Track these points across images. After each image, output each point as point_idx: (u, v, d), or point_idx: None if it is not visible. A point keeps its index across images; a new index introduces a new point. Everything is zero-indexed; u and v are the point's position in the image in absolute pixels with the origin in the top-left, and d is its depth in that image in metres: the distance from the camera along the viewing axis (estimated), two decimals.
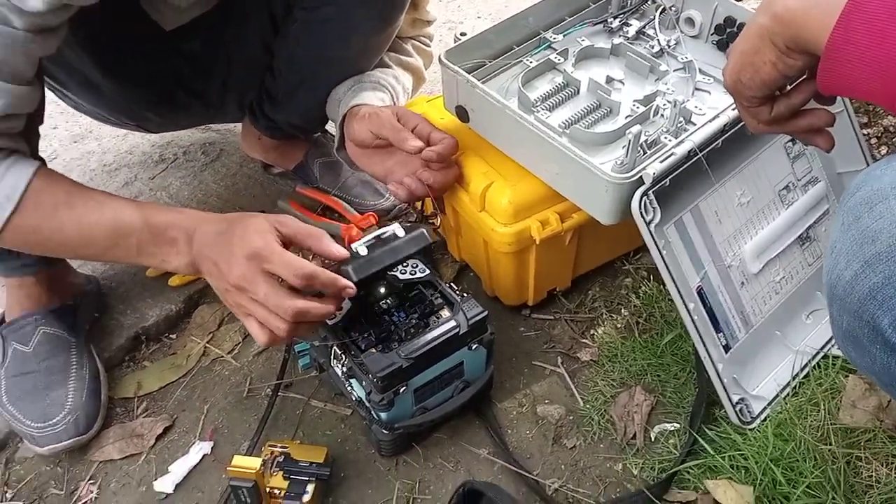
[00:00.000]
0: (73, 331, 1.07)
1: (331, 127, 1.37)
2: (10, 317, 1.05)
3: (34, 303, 1.05)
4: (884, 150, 1.36)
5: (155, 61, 1.11)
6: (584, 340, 1.10)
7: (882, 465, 0.86)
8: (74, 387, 1.02)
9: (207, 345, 1.13)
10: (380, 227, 0.96)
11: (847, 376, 0.96)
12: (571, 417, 1.01)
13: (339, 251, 0.86)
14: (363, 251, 0.88)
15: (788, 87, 0.69)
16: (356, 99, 1.07)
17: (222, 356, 1.12)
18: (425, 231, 0.93)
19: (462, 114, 1.04)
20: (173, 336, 1.16)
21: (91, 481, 0.98)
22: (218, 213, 1.06)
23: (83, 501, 0.96)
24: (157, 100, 1.17)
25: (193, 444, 1.01)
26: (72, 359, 1.05)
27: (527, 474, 0.93)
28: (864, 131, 1.37)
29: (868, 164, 1.10)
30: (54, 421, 0.98)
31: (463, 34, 1.04)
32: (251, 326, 0.83)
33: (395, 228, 0.92)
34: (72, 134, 1.56)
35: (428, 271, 0.96)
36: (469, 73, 0.99)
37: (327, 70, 1.11)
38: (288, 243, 0.83)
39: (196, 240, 0.84)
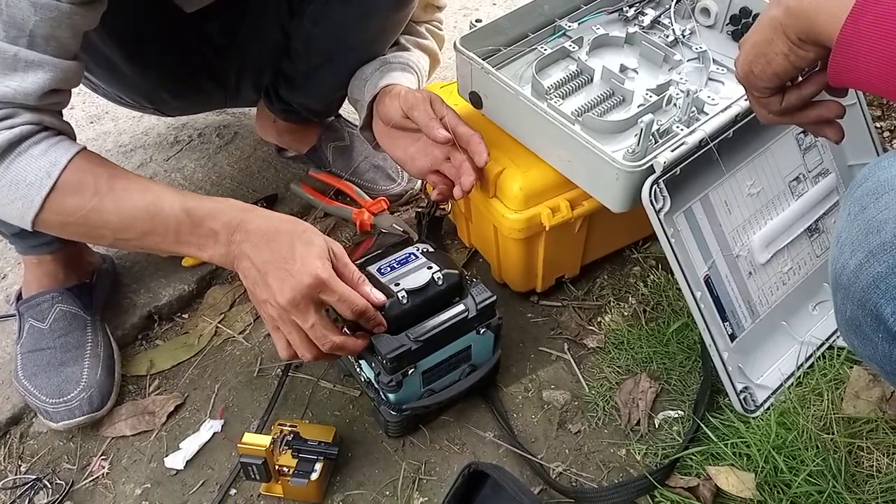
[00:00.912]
0: (89, 309, 1.09)
1: (344, 112, 1.38)
2: (28, 293, 1.07)
3: (52, 280, 1.07)
4: None
5: (175, 43, 1.12)
6: (590, 327, 1.11)
7: (883, 455, 0.87)
8: (89, 364, 1.04)
9: (219, 325, 1.15)
10: (407, 246, 0.97)
11: (851, 367, 0.97)
12: (577, 403, 1.02)
13: (380, 298, 0.86)
14: (404, 299, 0.88)
15: (800, 79, 0.70)
16: (386, 79, 1.07)
17: (234, 336, 1.13)
18: (460, 273, 0.93)
19: (475, 100, 1.05)
20: (186, 316, 1.18)
21: (103, 457, 1.00)
22: (240, 198, 1.08)
23: (95, 476, 0.98)
24: (175, 82, 1.18)
25: (204, 421, 1.02)
26: (87, 336, 1.06)
27: (531, 457, 0.94)
28: (877, 124, 1.37)
29: None
30: (69, 397, 1.00)
31: (478, 21, 1.04)
32: (278, 340, 0.85)
33: (434, 274, 0.90)
34: (88, 115, 1.57)
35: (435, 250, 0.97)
36: (483, 60, 1.00)
37: (345, 52, 1.12)
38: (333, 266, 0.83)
39: (238, 236, 0.82)
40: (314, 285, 0.79)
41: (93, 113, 1.57)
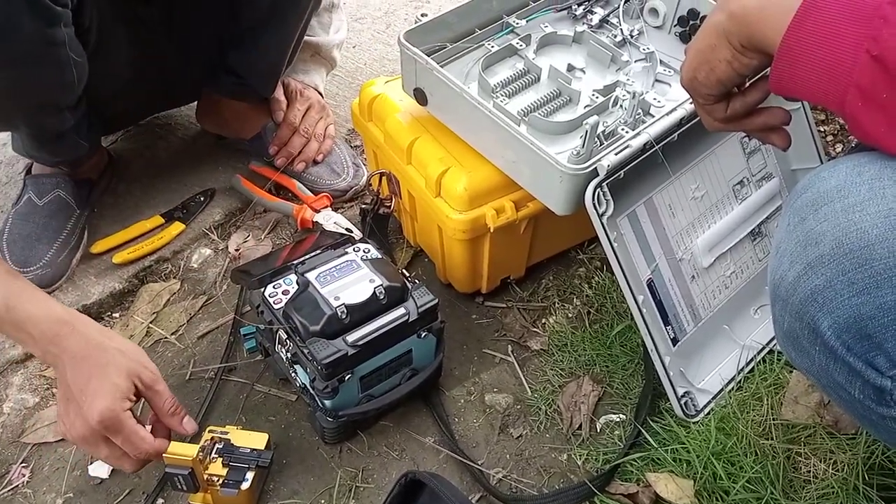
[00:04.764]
0: (82, 203, 1.20)
1: None
2: (38, 171, 1.20)
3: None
4: (839, 147, 1.37)
5: (112, 26, 1.07)
6: (535, 329, 1.09)
7: (820, 461, 0.87)
8: (57, 248, 1.13)
9: (151, 325, 1.10)
10: (347, 245, 0.97)
11: (791, 372, 0.97)
12: (519, 407, 1.00)
13: (190, 428, 0.86)
14: (343, 315, 0.86)
15: (746, 85, 0.69)
16: None
17: (166, 337, 1.09)
18: (402, 285, 0.92)
19: (420, 97, 1.02)
20: (116, 315, 1.13)
21: (24, 464, 0.95)
22: (178, 193, 1.19)
23: (14, 485, 0.93)
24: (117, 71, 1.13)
25: None
26: (67, 225, 1.16)
27: (471, 464, 0.92)
28: (821, 128, 1.39)
29: (822, 162, 1.10)
30: (27, 269, 1.10)
31: (424, 15, 1.02)
32: None
33: (376, 288, 0.88)
34: None
35: (379, 256, 0.95)
36: (429, 56, 0.97)
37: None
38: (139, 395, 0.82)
39: (52, 349, 0.80)
40: (96, 429, 0.78)
41: None
